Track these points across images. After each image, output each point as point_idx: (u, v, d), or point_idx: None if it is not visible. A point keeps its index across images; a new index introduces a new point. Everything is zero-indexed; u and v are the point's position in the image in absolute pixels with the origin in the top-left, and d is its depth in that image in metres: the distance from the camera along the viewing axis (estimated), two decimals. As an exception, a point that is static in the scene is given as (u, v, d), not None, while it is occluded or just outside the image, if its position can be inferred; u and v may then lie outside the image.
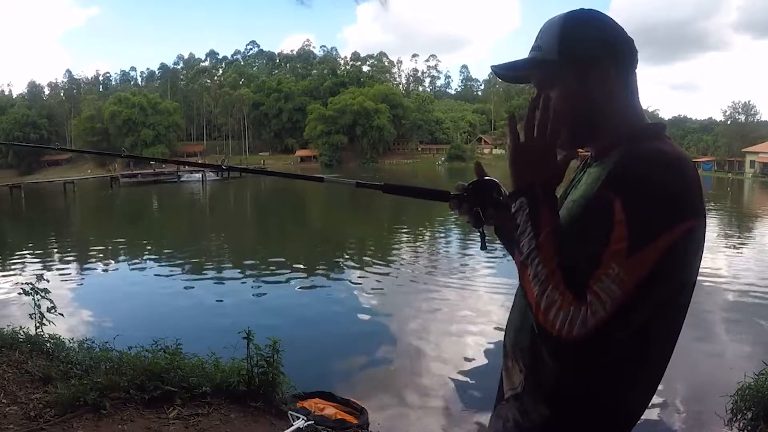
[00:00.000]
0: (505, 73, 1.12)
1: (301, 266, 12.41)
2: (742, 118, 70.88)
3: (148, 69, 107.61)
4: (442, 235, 16.42)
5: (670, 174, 0.89)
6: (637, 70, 1.05)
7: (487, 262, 11.48)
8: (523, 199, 0.99)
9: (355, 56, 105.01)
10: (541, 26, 1.07)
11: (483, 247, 1.21)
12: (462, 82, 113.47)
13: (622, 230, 0.86)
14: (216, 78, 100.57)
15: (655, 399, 4.87)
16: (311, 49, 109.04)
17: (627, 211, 0.87)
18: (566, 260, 0.91)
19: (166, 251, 14.98)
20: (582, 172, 1.12)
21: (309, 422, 3.65)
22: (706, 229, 0.95)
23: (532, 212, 0.97)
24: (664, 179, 0.88)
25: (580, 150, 1.12)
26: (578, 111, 1.03)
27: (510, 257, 1.12)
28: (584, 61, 1.01)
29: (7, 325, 5.11)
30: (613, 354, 0.89)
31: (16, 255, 14.37)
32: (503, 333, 1.20)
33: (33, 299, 4.79)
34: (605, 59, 1.00)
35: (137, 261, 13.52)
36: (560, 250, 0.92)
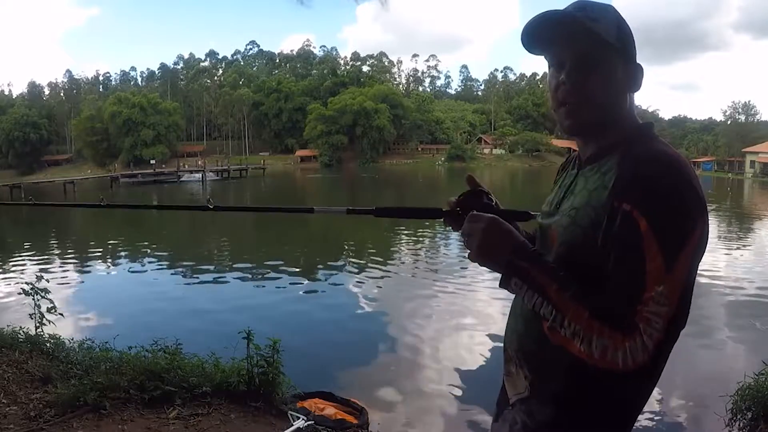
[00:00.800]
0: (551, 30, 1.03)
1: (302, 266, 12.41)
2: (742, 118, 70.85)
3: (148, 69, 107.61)
4: (442, 236, 16.43)
5: (679, 177, 0.91)
6: None
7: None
8: (515, 280, 0.98)
9: (355, 56, 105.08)
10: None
11: None
12: (462, 82, 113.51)
13: (653, 247, 0.87)
14: (216, 78, 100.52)
15: (656, 399, 4.88)
16: (311, 49, 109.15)
17: (653, 226, 0.88)
18: (595, 302, 0.90)
19: (166, 251, 14.98)
20: (574, 176, 1.09)
21: (309, 422, 3.65)
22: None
23: (529, 284, 0.96)
24: (677, 184, 0.90)
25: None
26: (610, 98, 1.03)
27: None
28: (629, 56, 1.04)
29: (7, 325, 5.11)
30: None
31: (16, 255, 14.37)
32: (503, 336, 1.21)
33: (33, 299, 4.78)
34: (637, 63, 1.05)
35: (137, 261, 13.52)
36: (581, 298, 0.91)
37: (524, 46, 1.08)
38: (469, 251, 1.03)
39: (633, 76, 1.04)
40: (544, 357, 0.99)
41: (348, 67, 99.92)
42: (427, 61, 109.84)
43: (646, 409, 4.85)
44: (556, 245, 1.04)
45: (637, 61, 1.05)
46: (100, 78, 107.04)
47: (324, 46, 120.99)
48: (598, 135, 1.06)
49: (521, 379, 1.07)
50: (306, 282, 10.86)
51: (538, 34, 1.05)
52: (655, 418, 4.63)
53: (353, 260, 12.93)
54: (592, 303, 0.91)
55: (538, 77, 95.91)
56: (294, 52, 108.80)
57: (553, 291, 0.93)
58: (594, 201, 0.97)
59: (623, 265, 0.90)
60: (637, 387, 0.99)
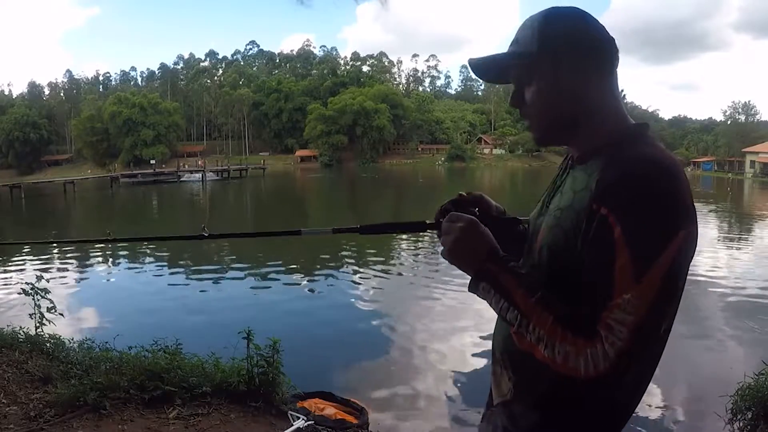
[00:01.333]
0: (484, 67, 1.10)
1: (301, 266, 12.41)
2: (742, 118, 70.88)
3: (148, 69, 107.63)
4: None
5: (663, 184, 0.88)
6: (618, 71, 1.04)
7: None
8: (483, 284, 0.99)
9: (355, 56, 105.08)
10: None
11: None
12: (462, 82, 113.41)
13: (624, 254, 0.85)
14: (216, 78, 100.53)
15: (656, 399, 4.89)
16: (311, 49, 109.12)
17: (626, 233, 0.86)
18: (560, 308, 0.90)
19: (166, 251, 14.97)
20: (565, 174, 1.09)
21: (309, 422, 3.65)
22: (702, 230, 0.95)
23: (497, 289, 0.97)
24: (659, 191, 0.87)
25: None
26: (552, 105, 1.02)
27: None
28: (560, 56, 0.99)
29: (7, 325, 5.11)
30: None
31: (16, 255, 14.36)
32: None
33: (33, 299, 4.78)
34: (582, 56, 0.99)
35: (137, 261, 13.51)
36: (547, 304, 0.91)
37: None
38: (442, 248, 1.05)
39: (579, 73, 0.99)
40: (527, 361, 0.97)
41: (348, 67, 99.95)
42: (427, 61, 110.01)
43: (646, 408, 4.84)
44: (538, 245, 1.04)
45: (590, 56, 0.99)
46: (100, 78, 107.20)
47: (324, 46, 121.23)
48: (572, 138, 1.05)
49: (505, 380, 1.06)
50: (306, 282, 10.86)
51: (479, 75, 1.12)
52: (655, 418, 4.63)
53: (353, 260, 12.93)
54: (557, 309, 0.91)
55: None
56: (294, 52, 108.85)
57: (519, 296, 0.93)
58: (577, 203, 0.95)
59: (594, 271, 0.89)
60: (622, 395, 0.97)
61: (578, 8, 1.04)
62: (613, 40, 1.02)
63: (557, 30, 1.01)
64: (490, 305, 1.00)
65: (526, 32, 1.03)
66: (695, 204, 0.93)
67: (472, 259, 1.01)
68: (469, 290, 1.03)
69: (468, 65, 1.10)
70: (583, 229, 0.91)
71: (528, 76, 1.03)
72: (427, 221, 1.20)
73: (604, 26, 1.03)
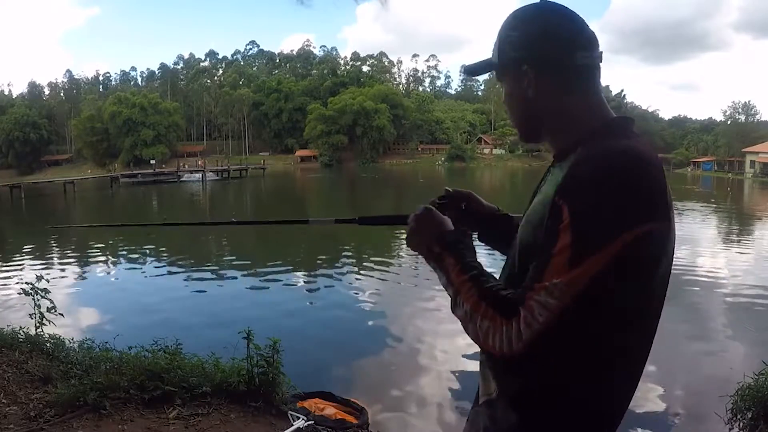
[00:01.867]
0: (476, 73, 1.18)
1: (301, 266, 12.42)
2: (742, 118, 70.87)
3: (148, 69, 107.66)
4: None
5: (624, 175, 0.85)
6: (601, 64, 1.01)
7: (488, 262, 11.49)
8: (432, 263, 1.05)
9: (355, 56, 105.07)
10: None
11: None
12: (462, 82, 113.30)
13: (566, 239, 0.84)
14: (216, 78, 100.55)
15: (656, 399, 4.89)
16: (311, 49, 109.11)
17: (573, 221, 0.84)
18: (490, 287, 0.91)
19: (166, 251, 14.98)
20: (548, 173, 1.09)
21: (309, 422, 3.65)
22: (675, 232, 0.91)
23: (440, 266, 1.02)
24: (618, 182, 0.84)
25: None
26: (518, 109, 1.06)
27: (501, 255, 1.20)
28: (513, 61, 1.02)
29: (7, 325, 5.11)
30: (577, 361, 0.87)
31: (16, 255, 14.37)
32: None
33: (33, 299, 4.78)
34: (549, 57, 0.98)
35: (137, 261, 13.52)
36: (477, 280, 0.94)
37: None
38: (407, 234, 1.13)
39: (553, 73, 0.98)
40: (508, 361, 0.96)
41: (348, 67, 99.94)
42: (427, 61, 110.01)
43: (646, 408, 4.84)
44: (516, 241, 1.06)
45: (562, 54, 0.98)
46: (100, 78, 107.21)
47: (324, 46, 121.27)
48: (551, 139, 1.06)
49: (490, 379, 1.05)
50: (306, 282, 10.86)
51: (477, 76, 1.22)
52: (655, 417, 4.63)
53: (353, 260, 12.93)
54: (485, 286, 0.92)
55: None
56: (294, 52, 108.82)
57: (455, 273, 0.97)
58: (546, 199, 0.95)
59: (537, 253, 0.89)
60: (600, 399, 0.94)
61: (549, 2, 1.02)
62: (588, 33, 0.99)
63: (514, 34, 1.02)
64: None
65: (499, 38, 1.05)
66: (672, 200, 0.90)
67: (423, 243, 1.08)
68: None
69: (463, 70, 1.16)
70: (545, 222, 0.91)
71: (503, 81, 1.07)
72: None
73: (580, 20, 1.00)
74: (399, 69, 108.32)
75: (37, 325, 4.75)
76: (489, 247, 1.36)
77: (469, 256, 1.01)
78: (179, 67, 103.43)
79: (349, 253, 14.05)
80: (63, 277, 11.23)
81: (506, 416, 1.00)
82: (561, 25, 0.99)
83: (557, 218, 0.86)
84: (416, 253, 1.11)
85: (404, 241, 1.14)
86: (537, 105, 1.02)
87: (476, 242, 1.24)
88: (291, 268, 12.07)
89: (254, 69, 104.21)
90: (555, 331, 0.82)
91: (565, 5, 1.03)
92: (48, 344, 4.62)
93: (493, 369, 1.04)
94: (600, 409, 0.96)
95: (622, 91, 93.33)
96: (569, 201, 0.86)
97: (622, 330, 0.90)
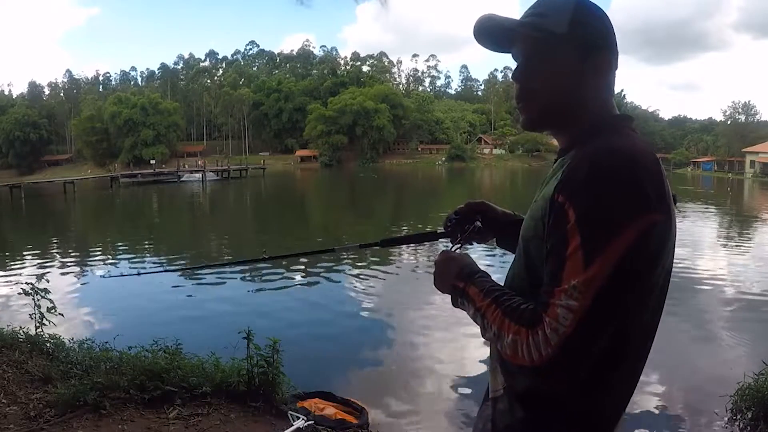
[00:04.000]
0: (489, 29, 1.07)
1: (301, 266, 12.40)
2: (742, 118, 70.93)
3: (148, 69, 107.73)
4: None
5: (621, 171, 0.86)
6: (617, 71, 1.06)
7: (488, 262, 11.48)
8: (459, 299, 1.07)
9: (355, 56, 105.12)
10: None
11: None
12: (462, 82, 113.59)
13: (575, 240, 0.85)
14: (216, 78, 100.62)
15: (656, 398, 4.88)
16: (311, 49, 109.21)
17: (579, 220, 0.85)
18: (510, 302, 0.93)
19: (166, 251, 14.99)
20: (553, 168, 1.09)
21: (309, 422, 3.65)
22: (676, 226, 0.92)
23: (466, 299, 1.04)
24: (615, 177, 0.85)
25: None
26: (558, 90, 1.01)
27: (501, 255, 1.20)
28: (589, 45, 1.00)
29: (7, 325, 5.12)
30: (597, 359, 0.87)
31: (16, 255, 14.37)
32: None
33: (33, 299, 4.78)
34: (605, 51, 1.01)
35: (137, 261, 13.51)
36: (498, 300, 0.95)
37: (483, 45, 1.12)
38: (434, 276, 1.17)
39: (595, 66, 0.99)
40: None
41: (348, 67, 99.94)
42: (427, 61, 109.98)
43: (646, 408, 4.84)
44: (520, 237, 1.06)
45: (607, 50, 1.01)
46: (100, 78, 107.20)
47: (324, 46, 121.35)
48: (561, 129, 1.06)
49: (499, 374, 1.06)
50: (306, 282, 10.85)
51: (482, 37, 1.08)
52: (655, 417, 4.63)
53: (353, 260, 12.92)
54: (505, 302, 0.93)
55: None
56: (294, 52, 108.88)
57: (479, 301, 0.99)
58: (547, 193, 0.96)
59: (549, 258, 0.89)
60: (606, 399, 0.96)
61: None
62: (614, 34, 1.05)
63: (590, 19, 1.01)
64: (471, 318, 1.06)
65: (558, 11, 1.01)
66: (673, 196, 0.92)
67: (446, 282, 1.11)
68: (453, 307, 1.12)
69: (474, 30, 1.08)
70: (547, 218, 0.92)
71: (544, 53, 1.01)
72: (438, 230, 1.34)
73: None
74: (399, 69, 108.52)
75: (37, 325, 4.76)
76: (505, 251, 1.38)
77: (489, 282, 1.03)
78: (179, 67, 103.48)
79: (351, 253, 14.04)
80: (63, 277, 11.22)
81: (513, 412, 1.01)
82: (605, 19, 1.03)
83: (561, 217, 0.87)
84: (446, 294, 1.14)
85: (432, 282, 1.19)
86: (578, 92, 1.01)
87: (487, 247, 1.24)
88: (291, 267, 12.06)
89: (254, 69, 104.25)
90: (582, 331, 0.83)
91: None
92: (48, 344, 4.62)
93: (501, 364, 1.05)
94: (605, 407, 0.97)
95: (622, 91, 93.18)
96: (572, 200, 0.87)
97: (632, 326, 0.91)
